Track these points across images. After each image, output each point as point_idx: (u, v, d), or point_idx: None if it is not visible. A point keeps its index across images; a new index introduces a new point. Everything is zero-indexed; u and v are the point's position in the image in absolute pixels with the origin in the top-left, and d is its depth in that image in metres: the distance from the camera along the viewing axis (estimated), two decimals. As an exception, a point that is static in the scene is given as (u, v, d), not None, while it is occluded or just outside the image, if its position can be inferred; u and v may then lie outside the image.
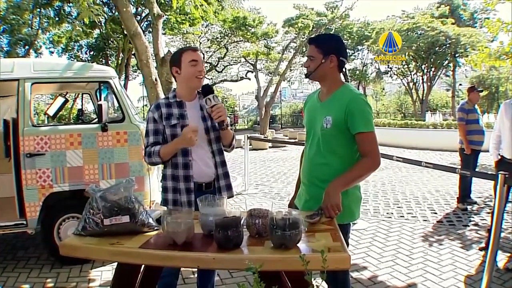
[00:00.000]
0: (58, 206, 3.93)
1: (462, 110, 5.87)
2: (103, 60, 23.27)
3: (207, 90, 2.40)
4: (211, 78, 30.57)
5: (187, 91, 2.51)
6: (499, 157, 4.15)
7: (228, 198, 2.31)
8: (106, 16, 17.84)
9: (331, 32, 24.04)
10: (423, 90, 31.01)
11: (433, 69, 29.83)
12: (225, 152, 2.61)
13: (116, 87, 4.08)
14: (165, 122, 2.43)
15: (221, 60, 28.52)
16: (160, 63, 6.68)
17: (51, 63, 4.43)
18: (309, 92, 2.62)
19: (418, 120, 18.59)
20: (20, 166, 3.70)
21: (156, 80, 6.48)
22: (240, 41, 25.91)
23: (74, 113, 19.22)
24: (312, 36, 2.48)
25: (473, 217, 5.43)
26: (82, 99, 6.60)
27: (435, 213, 5.69)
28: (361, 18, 34.54)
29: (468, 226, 5.05)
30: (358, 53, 34.13)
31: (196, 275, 3.07)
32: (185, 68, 2.43)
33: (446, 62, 29.22)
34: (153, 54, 6.85)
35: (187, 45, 24.54)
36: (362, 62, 34.71)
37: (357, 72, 32.83)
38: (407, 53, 25.52)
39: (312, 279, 1.28)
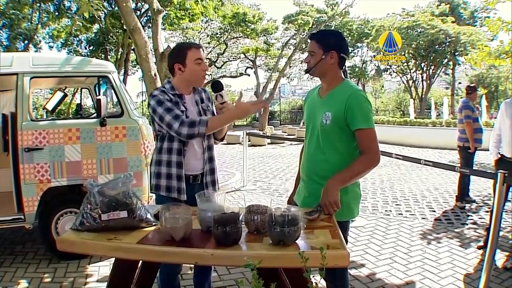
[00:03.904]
0: (56, 201, 3.92)
1: (469, 108, 5.85)
2: (103, 55, 23.19)
3: (218, 86, 2.39)
4: (210, 74, 30.50)
5: (186, 86, 2.50)
6: (499, 155, 4.14)
7: None
8: (105, 11, 17.77)
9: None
10: (423, 88, 31.05)
11: (432, 67, 29.87)
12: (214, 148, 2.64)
13: (115, 82, 4.06)
14: None
15: (220, 56, 28.44)
16: (160, 58, 6.67)
17: (50, 57, 4.40)
18: (309, 89, 2.60)
19: (417, 118, 18.59)
20: (18, 161, 3.67)
21: (155, 75, 6.47)
22: (239, 37, 25.86)
23: (73, 107, 19.17)
24: (313, 31, 2.45)
25: (471, 216, 5.44)
26: (81, 93, 6.58)
27: (434, 211, 5.69)
28: (361, 16, 34.62)
29: (467, 224, 5.06)
30: (358, 51, 34.12)
31: (193, 271, 3.06)
32: (191, 66, 2.41)
33: (446, 60, 29.27)
34: (153, 49, 6.84)
35: (187, 40, 24.46)
36: (361, 59, 34.72)
37: (357, 69, 32.82)
38: (406, 51, 25.52)
39: (311, 276, 1.27)
